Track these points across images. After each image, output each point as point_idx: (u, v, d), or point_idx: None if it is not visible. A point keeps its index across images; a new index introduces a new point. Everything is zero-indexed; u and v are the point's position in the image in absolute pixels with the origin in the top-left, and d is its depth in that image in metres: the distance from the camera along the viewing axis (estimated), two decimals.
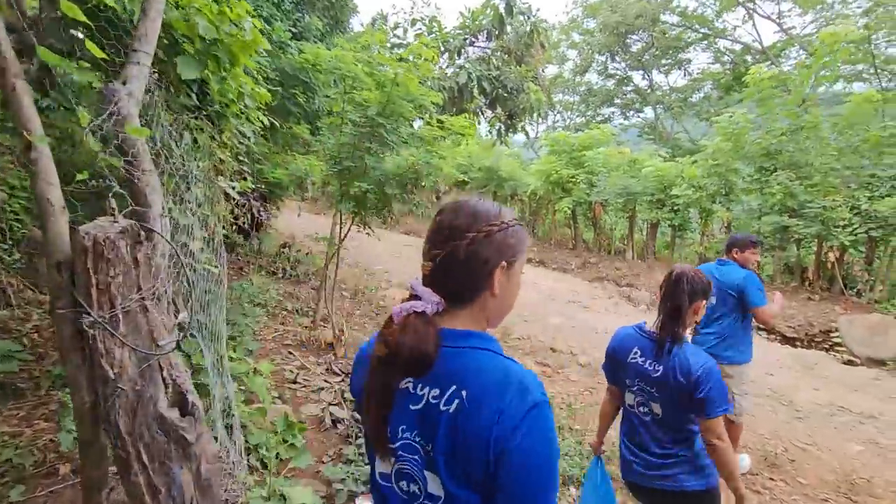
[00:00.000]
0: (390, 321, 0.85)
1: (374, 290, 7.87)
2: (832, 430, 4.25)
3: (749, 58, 17.43)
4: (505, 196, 13.79)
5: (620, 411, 2.07)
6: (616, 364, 1.96)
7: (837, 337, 6.78)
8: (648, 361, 1.82)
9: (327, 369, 3.90)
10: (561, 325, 6.95)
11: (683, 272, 1.84)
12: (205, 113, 2.56)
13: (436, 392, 0.82)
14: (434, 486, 0.83)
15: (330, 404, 3.18)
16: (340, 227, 4.40)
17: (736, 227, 9.33)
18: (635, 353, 1.86)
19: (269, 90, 5.28)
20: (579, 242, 12.17)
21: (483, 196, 1.04)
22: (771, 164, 8.28)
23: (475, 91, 6.96)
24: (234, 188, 2.72)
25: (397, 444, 0.85)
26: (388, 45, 3.87)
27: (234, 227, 2.67)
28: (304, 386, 3.49)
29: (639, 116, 23.27)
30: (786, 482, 3.50)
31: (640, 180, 9.93)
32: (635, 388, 1.86)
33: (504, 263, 0.86)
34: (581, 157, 10.99)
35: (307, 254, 9.09)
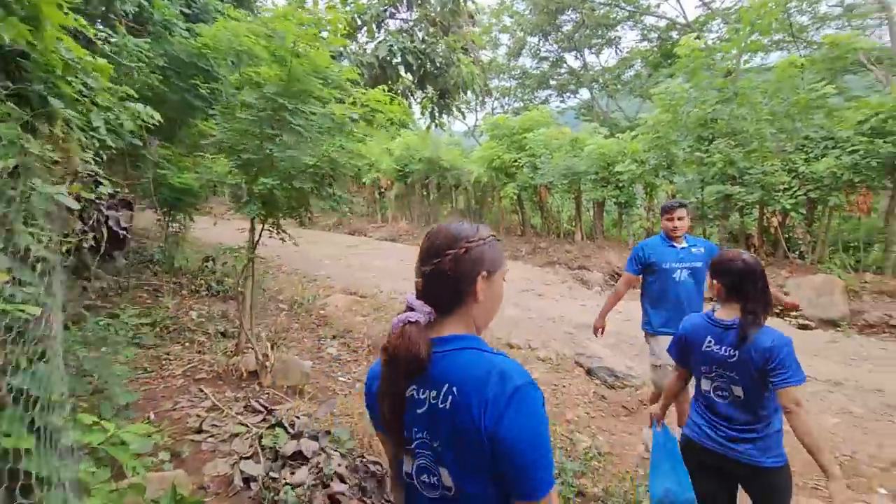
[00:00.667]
0: (391, 332, 0.94)
1: (313, 299, 7.15)
2: (804, 403, 4.05)
3: (675, 33, 17.82)
4: (448, 186, 13.30)
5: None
6: (687, 351, 2.01)
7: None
8: (724, 348, 1.87)
9: (246, 406, 3.22)
10: (517, 316, 6.55)
11: (758, 264, 1.86)
12: (9, 91, 1.84)
13: (434, 393, 0.92)
14: (446, 479, 0.93)
15: (242, 458, 2.53)
16: (252, 233, 3.69)
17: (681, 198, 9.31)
18: (709, 342, 1.91)
19: (158, 80, 4.46)
20: (527, 228, 11.90)
21: (463, 220, 1.03)
22: (708, 133, 8.24)
23: (401, 69, 6.38)
24: (79, 197, 2.01)
25: (414, 443, 0.96)
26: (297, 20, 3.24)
27: (68, 250, 1.94)
28: (213, 435, 2.81)
29: (575, 98, 23.47)
30: None
31: (584, 159, 9.71)
32: (713, 375, 1.92)
33: (484, 273, 0.96)
34: (522, 141, 10.66)
35: (234, 266, 8.21)
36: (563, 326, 6.15)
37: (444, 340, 0.94)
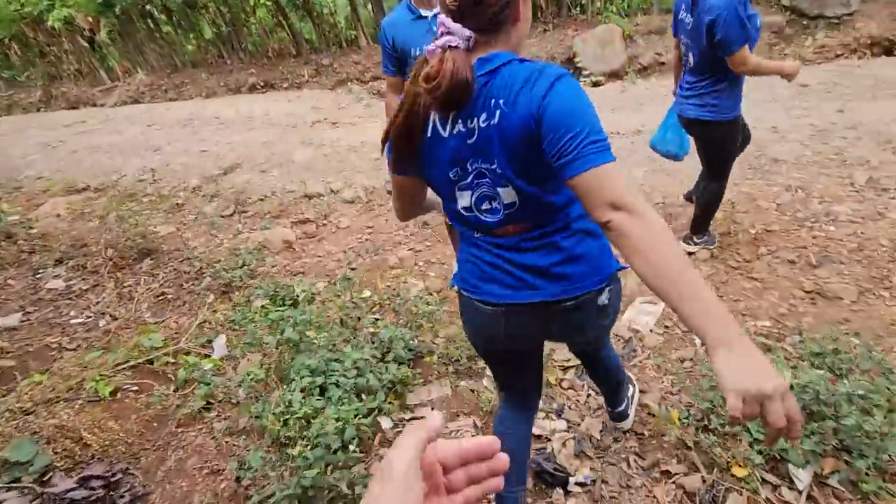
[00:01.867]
0: (425, 60, 0.90)
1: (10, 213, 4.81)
2: (618, 162, 3.92)
3: None
4: (181, 6, 9.77)
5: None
6: (675, 23, 2.34)
7: (578, 61, 6.60)
8: (687, 15, 2.18)
9: None
10: (311, 159, 5.29)
11: None
12: None
13: (484, 116, 0.89)
14: (507, 196, 0.96)
15: None
16: None
17: None
18: (682, 12, 2.22)
19: None
20: (302, 45, 9.65)
21: None
22: None
23: None
24: None
25: (471, 176, 0.97)
26: None
27: None
28: None
29: None
30: None
31: None
32: (685, 42, 2.29)
33: None
34: None
35: None
36: (368, 154, 5.14)
37: (486, 60, 0.90)
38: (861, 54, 5.44)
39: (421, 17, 2.14)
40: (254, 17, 9.44)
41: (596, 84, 6.15)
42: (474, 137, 0.91)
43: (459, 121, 0.91)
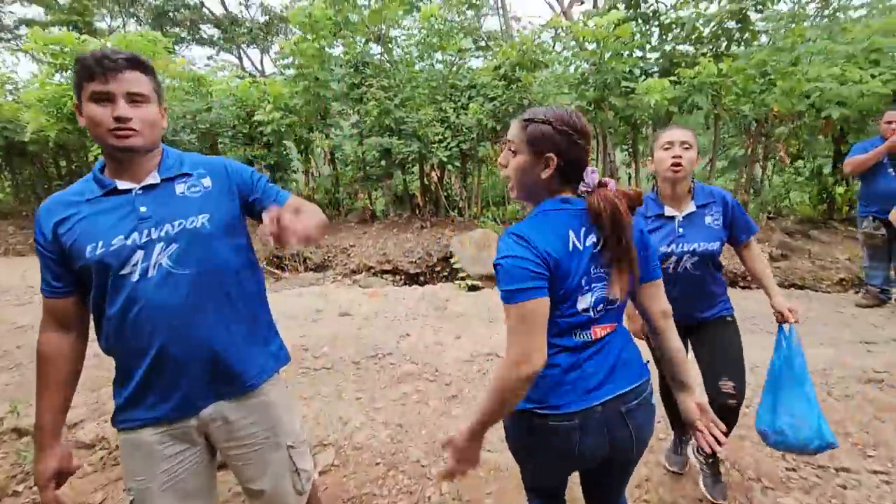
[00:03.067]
0: (607, 196, 1.15)
1: None
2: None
3: None
4: (21, 149, 8.22)
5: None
6: None
7: (455, 262, 6.20)
8: None
9: None
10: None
11: None
12: None
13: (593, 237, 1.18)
14: (616, 293, 1.18)
15: None
16: None
17: (340, 158, 7.89)
18: None
19: None
20: None
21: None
22: (359, 77, 6.97)
23: None
24: None
25: (593, 281, 1.17)
26: None
27: None
28: None
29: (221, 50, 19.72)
30: None
31: (214, 109, 7.10)
32: None
33: None
34: None
35: None
36: None
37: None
38: None
39: (117, 190, 1.14)
40: None
41: (472, 288, 5.62)
42: (595, 249, 1.15)
43: (591, 234, 1.15)
